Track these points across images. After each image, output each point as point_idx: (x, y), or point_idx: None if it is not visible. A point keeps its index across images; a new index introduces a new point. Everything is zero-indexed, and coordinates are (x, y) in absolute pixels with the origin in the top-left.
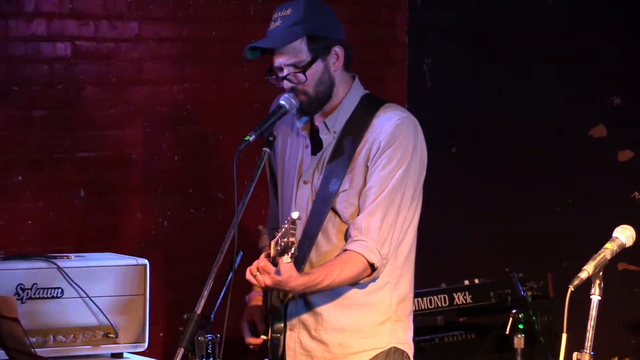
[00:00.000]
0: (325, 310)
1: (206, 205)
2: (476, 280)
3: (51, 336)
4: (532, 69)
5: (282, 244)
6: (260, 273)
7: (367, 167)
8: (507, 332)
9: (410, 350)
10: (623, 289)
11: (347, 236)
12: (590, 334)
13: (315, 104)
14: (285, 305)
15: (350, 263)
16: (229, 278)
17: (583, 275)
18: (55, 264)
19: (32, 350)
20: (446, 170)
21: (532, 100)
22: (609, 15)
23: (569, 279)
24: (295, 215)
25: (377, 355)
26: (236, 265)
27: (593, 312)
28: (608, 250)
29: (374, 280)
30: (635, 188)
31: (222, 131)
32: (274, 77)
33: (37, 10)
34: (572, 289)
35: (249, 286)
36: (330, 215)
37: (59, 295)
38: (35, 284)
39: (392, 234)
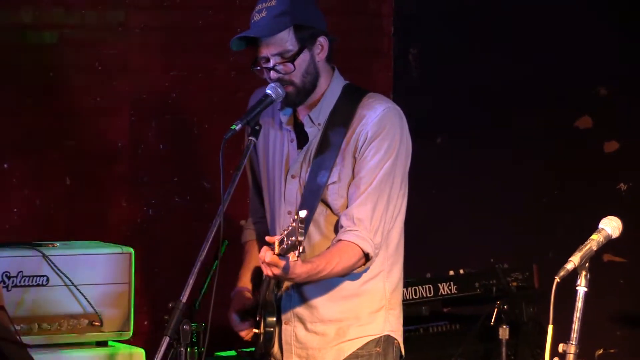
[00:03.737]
0: (321, 302)
1: (191, 194)
2: (461, 271)
3: (36, 324)
4: (517, 60)
5: (290, 242)
6: (268, 265)
7: (354, 158)
8: (492, 323)
9: (400, 337)
10: (608, 281)
11: (338, 226)
12: (576, 326)
13: (302, 95)
14: (279, 299)
15: (347, 253)
16: (214, 267)
17: (569, 266)
18: (41, 252)
19: (18, 338)
20: (431, 161)
21: (517, 92)
22: (595, 6)
23: (554, 270)
24: (303, 214)
25: (368, 343)
26: (221, 254)
27: (579, 304)
28: (594, 241)
29: (366, 270)
30: (621, 179)
31: (208, 120)
32: (258, 68)
33: None
34: (559, 280)
35: (234, 275)
36: (321, 207)
37: (45, 283)
38: (21, 271)
39: (383, 223)
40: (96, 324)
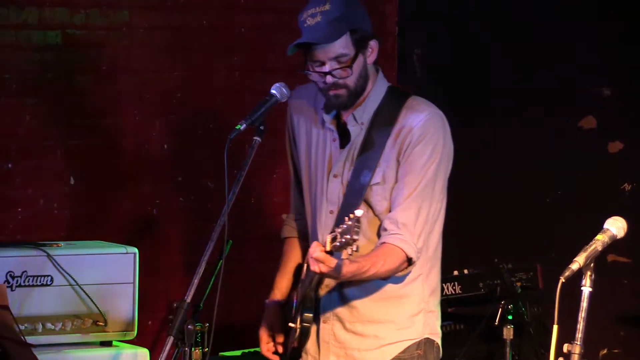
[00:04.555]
0: (361, 303)
1: (196, 194)
2: (465, 271)
3: (40, 324)
4: (521, 60)
5: (343, 240)
6: (316, 262)
7: (398, 162)
8: (496, 323)
9: (439, 339)
10: (612, 281)
11: (380, 229)
12: (581, 326)
13: (353, 97)
14: (318, 297)
15: (392, 256)
16: (219, 267)
17: (574, 266)
18: (45, 252)
19: (22, 337)
20: None
21: (521, 91)
22: (601, 5)
23: (558, 270)
24: (359, 213)
25: (409, 347)
26: (226, 254)
27: (584, 304)
28: (599, 241)
29: (407, 274)
30: (625, 179)
31: (212, 120)
32: (310, 72)
33: None
34: (563, 280)
35: (239, 276)
36: (363, 207)
37: (49, 282)
38: (25, 271)
39: (425, 228)
40: (100, 323)
